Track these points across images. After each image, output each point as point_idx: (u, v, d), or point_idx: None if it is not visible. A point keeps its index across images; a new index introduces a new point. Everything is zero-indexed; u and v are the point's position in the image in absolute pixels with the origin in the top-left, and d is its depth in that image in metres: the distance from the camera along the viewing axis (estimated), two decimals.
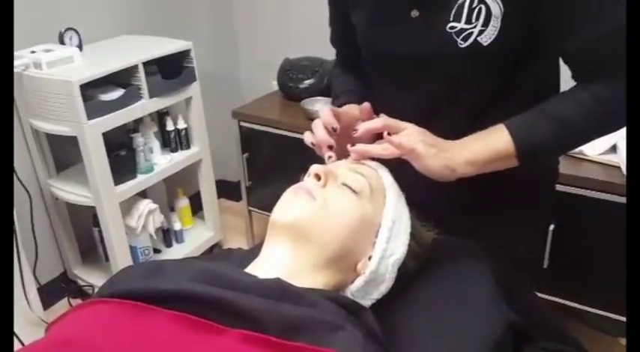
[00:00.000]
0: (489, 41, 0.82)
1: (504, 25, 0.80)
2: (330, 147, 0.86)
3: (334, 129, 0.86)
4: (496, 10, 0.80)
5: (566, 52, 0.81)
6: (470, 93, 0.89)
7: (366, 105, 0.89)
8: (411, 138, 0.79)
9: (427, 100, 0.92)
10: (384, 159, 0.82)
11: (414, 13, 0.87)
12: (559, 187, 1.60)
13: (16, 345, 1.65)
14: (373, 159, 0.85)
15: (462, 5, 0.82)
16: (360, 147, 0.83)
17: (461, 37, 0.83)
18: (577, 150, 1.68)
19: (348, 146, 0.84)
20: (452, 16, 0.83)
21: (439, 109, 0.90)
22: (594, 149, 1.67)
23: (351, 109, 0.94)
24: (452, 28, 0.83)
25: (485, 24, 0.81)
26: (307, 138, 0.88)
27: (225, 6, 2.63)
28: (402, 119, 0.82)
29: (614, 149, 1.66)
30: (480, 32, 0.81)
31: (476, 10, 0.81)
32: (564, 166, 1.64)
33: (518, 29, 0.81)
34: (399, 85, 0.95)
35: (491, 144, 0.80)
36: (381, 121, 0.82)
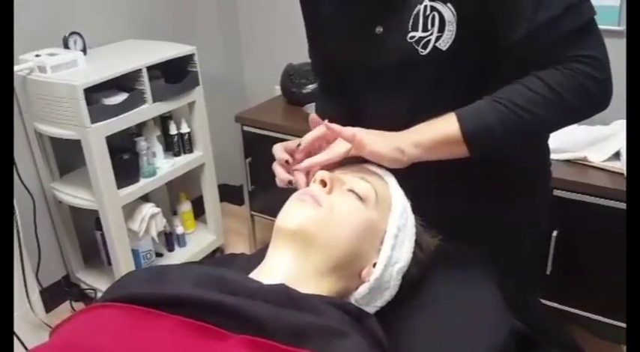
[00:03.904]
0: (447, 46, 0.84)
1: (460, 29, 0.83)
2: (291, 183, 0.86)
3: (287, 163, 0.87)
4: (449, 15, 0.83)
5: (514, 44, 0.81)
6: (447, 97, 0.90)
7: (313, 116, 0.90)
8: (353, 128, 0.80)
9: (407, 108, 0.94)
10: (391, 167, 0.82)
11: (379, 29, 0.91)
12: (562, 193, 1.61)
13: (19, 348, 1.65)
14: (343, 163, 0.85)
15: (417, 15, 0.85)
16: (305, 162, 0.84)
17: (420, 44, 0.86)
18: (580, 156, 1.68)
19: (294, 165, 0.85)
20: (410, 26, 0.86)
21: (420, 115, 0.92)
22: (598, 156, 1.67)
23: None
24: (412, 37, 0.86)
25: (441, 30, 0.84)
26: (278, 183, 0.89)
27: (229, 11, 2.64)
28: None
29: (617, 156, 1.66)
30: (438, 38, 0.84)
31: (430, 18, 0.84)
32: (568, 172, 1.66)
33: (475, 31, 0.83)
34: (379, 97, 0.97)
35: (438, 129, 0.81)
36: (323, 126, 0.83)
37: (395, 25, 0.88)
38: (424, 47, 0.85)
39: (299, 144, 0.86)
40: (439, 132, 0.81)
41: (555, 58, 0.79)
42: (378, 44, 0.91)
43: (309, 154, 0.86)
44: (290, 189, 0.81)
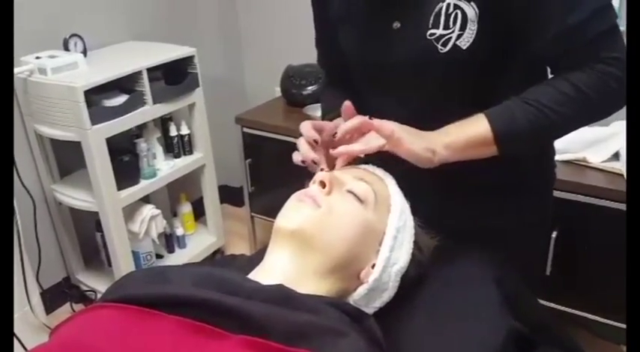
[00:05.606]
0: (468, 44, 0.84)
1: (481, 28, 0.82)
2: (314, 162, 0.86)
3: (315, 142, 0.87)
4: (471, 13, 0.82)
5: (540, 46, 0.82)
6: (461, 96, 0.91)
7: (347, 103, 0.89)
8: (391, 124, 0.80)
9: (420, 106, 0.93)
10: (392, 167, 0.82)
11: (396, 25, 0.89)
12: (562, 194, 1.61)
13: (20, 350, 1.65)
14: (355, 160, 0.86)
15: (439, 12, 0.84)
16: (342, 148, 0.83)
17: (440, 42, 0.85)
18: (580, 157, 1.68)
19: (330, 149, 0.85)
20: (430, 23, 0.85)
21: (432, 114, 0.92)
22: (597, 156, 1.68)
23: (339, 121, 0.95)
24: (432, 34, 0.85)
25: (463, 28, 0.83)
26: (295, 157, 0.89)
27: (229, 12, 2.64)
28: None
29: (616, 156, 1.66)
30: (459, 36, 0.84)
31: (452, 16, 0.83)
32: (567, 173, 1.66)
33: (496, 30, 0.83)
34: (391, 94, 0.96)
35: (469, 130, 0.82)
36: (359, 118, 0.83)
37: (414, 21, 0.87)
38: (444, 45, 0.85)
39: (334, 134, 0.85)
40: (470, 134, 0.82)
41: (581, 60, 0.80)
42: (395, 40, 0.90)
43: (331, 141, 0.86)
44: (290, 189, 0.81)
